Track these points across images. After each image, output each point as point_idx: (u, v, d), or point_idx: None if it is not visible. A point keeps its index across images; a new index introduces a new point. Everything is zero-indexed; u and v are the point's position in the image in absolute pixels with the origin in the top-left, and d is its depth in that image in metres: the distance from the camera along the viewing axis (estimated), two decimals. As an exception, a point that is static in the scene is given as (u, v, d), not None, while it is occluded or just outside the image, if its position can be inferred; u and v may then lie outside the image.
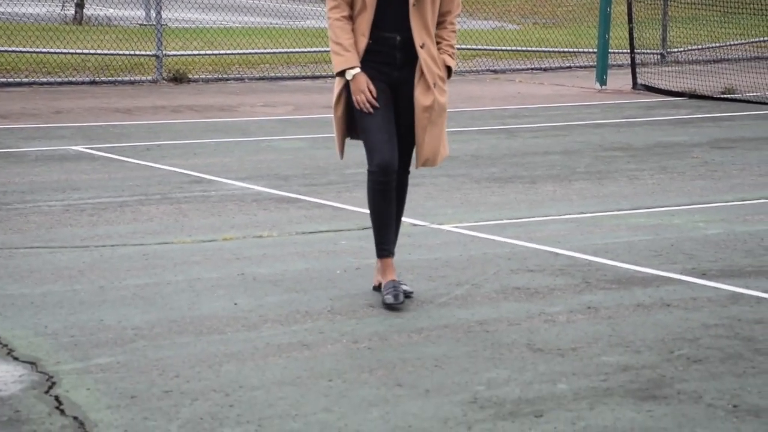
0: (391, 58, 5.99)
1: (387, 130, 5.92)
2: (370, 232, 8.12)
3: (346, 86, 5.99)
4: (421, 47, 5.93)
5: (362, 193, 9.40)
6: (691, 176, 10.18)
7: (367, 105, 5.91)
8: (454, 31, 6.12)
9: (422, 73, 5.95)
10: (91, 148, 11.21)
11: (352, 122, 6.08)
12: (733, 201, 9.15)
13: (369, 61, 5.96)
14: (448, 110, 6.14)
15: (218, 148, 11.57)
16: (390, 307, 5.90)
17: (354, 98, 5.94)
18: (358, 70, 5.92)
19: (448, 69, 6.09)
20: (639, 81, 16.89)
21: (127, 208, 8.65)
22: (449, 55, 6.08)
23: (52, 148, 11.18)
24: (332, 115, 6.12)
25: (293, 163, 10.71)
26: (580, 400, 4.70)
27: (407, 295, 6.09)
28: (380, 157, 5.91)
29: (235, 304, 6.32)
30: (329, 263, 7.24)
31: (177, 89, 16.03)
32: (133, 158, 10.73)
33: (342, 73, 5.97)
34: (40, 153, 10.94)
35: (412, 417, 4.55)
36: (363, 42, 5.95)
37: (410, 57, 5.98)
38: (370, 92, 5.91)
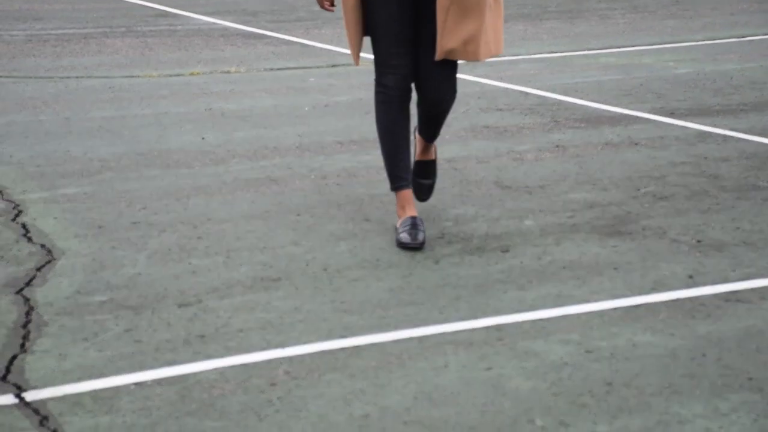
0: None
1: (398, 35, 4.57)
2: (339, 70, 8.04)
3: None
4: None
5: (331, 31, 9.30)
6: (662, 15, 10.11)
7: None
8: None
9: None
10: (54, -20, 10.99)
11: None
12: (703, 40, 9.12)
13: None
14: None
15: (185, -19, 11.36)
16: (404, 246, 4.57)
17: None
18: None
19: None
20: None
21: (92, 40, 8.53)
22: None
23: (15, -21, 10.95)
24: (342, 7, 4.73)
25: (261, -2, 10.56)
26: (546, 236, 4.73)
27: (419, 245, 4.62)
28: (391, 77, 4.62)
29: (203, 138, 6.28)
30: (297, 100, 7.20)
31: None
32: (98, -9, 10.54)
33: None
34: (2, -17, 10.72)
35: (379, 251, 4.57)
36: None
37: None
38: None
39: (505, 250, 4.56)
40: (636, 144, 6.25)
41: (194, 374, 3.39)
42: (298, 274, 4.26)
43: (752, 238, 4.69)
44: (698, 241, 4.67)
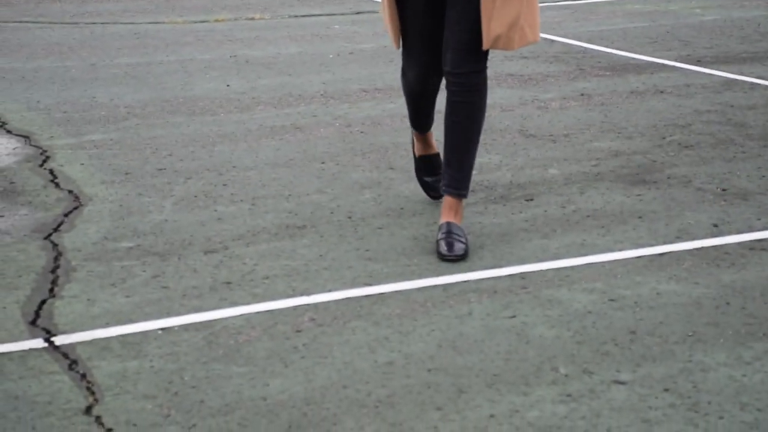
0: None
1: (422, 32, 4.13)
2: (363, 17, 8.02)
3: None
4: None
5: (356, -24, 9.27)
6: (690, -37, 10.02)
7: None
8: None
9: None
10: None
11: None
12: (731, -11, 9.03)
13: None
14: None
15: (209, -73, 11.31)
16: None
17: None
18: None
19: None
20: None
21: (117, -14, 8.52)
22: None
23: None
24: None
25: (285, -56, 10.50)
26: (570, 185, 4.73)
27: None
28: (414, 72, 4.20)
29: (228, 85, 6.29)
30: (322, 47, 7.18)
31: None
32: (122, -64, 10.50)
33: None
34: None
35: (404, 199, 4.58)
36: None
37: None
38: None
39: (529, 199, 4.56)
40: (662, 92, 6.22)
41: (220, 320, 3.42)
42: (323, 222, 4.28)
43: (777, 188, 4.68)
44: (723, 190, 4.66)
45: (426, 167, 4.59)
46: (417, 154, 4.61)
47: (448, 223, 4.06)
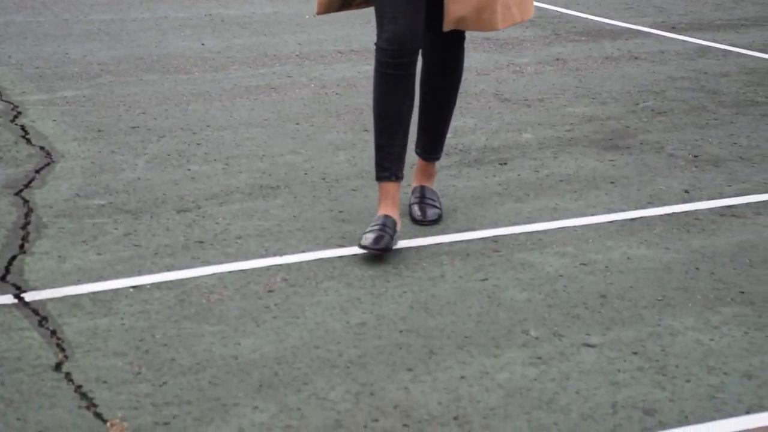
0: None
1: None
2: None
3: None
4: None
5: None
6: (667, -70, 10.02)
7: None
8: None
9: None
10: None
11: None
12: (707, -44, 9.06)
13: None
14: None
15: None
16: (362, 247, 3.62)
17: None
18: None
19: None
20: None
21: (91, -58, 8.46)
22: None
23: None
24: None
25: None
26: (544, 149, 4.75)
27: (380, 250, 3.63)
28: (391, 29, 3.66)
29: (203, 44, 6.26)
30: (298, 7, 7.15)
31: None
32: None
33: None
34: None
35: (377, 160, 4.58)
36: None
37: None
38: None
39: (503, 163, 4.57)
40: (636, 58, 6.24)
41: (193, 279, 3.42)
42: (297, 183, 4.28)
43: (749, 154, 4.71)
44: (695, 156, 4.69)
45: (373, 232, 3.67)
46: (378, 212, 3.80)
47: (422, 187, 4.06)
